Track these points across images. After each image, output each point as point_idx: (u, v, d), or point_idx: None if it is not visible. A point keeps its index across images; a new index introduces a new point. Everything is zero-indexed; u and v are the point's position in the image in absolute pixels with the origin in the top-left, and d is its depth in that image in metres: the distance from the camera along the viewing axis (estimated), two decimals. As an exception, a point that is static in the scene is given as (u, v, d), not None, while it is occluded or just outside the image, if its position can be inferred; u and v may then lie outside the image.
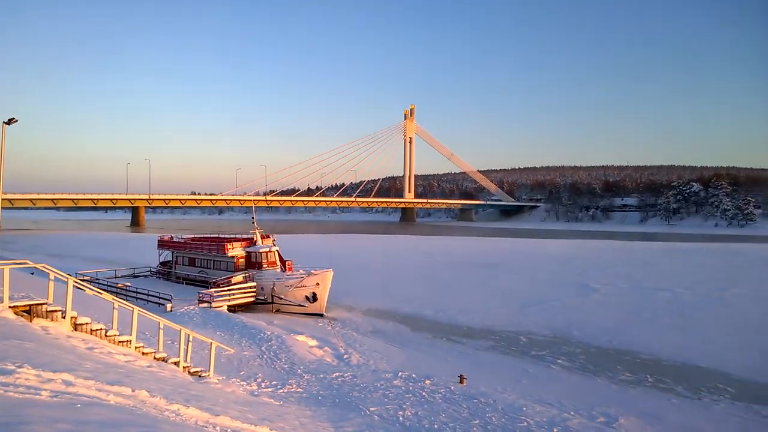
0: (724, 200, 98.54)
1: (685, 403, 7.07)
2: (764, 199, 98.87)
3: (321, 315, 14.41)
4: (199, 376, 6.93)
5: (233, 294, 15.45)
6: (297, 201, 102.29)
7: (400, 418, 5.67)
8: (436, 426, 5.47)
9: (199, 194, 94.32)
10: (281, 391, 6.82)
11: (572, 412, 6.42)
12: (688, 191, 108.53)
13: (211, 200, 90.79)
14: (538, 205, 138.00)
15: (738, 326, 11.77)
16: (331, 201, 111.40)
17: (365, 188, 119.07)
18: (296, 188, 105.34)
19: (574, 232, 74.27)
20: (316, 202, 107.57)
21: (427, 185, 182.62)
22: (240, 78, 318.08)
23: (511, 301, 15.16)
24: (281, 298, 15.53)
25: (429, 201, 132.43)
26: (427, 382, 7.20)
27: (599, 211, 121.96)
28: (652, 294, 16.25)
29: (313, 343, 10.23)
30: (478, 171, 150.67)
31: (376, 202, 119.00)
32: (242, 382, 7.09)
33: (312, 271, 15.45)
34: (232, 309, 14.95)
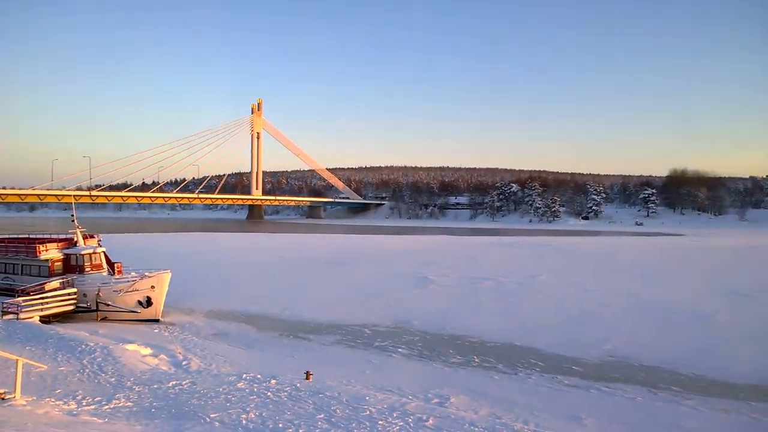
0: (537, 199, 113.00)
1: (505, 379, 7.94)
2: (567, 199, 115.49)
3: (157, 320, 13.33)
4: (2, 398, 5.98)
5: (46, 302, 13.55)
6: (129, 197, 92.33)
7: (243, 422, 5.52)
8: (280, 425, 5.43)
9: (4, 188, 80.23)
10: (106, 407, 6.18)
11: (410, 396, 6.86)
12: (508, 191, 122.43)
13: (19, 195, 77.59)
14: (383, 203, 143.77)
15: (544, 308, 13.60)
16: (170, 197, 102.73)
17: (209, 184, 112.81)
18: (129, 183, 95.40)
19: (416, 228, 78.83)
20: (152, 199, 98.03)
21: (276, 182, 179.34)
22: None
23: (357, 295, 15.63)
24: (108, 305, 14.03)
25: (277, 198, 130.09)
26: (273, 381, 7.10)
27: (437, 208, 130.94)
28: (478, 283, 17.99)
29: (147, 351, 9.41)
30: (326, 169, 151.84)
31: (222, 199, 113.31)
32: (58, 402, 6.27)
33: (146, 274, 14.19)
34: (46, 320, 13.10)
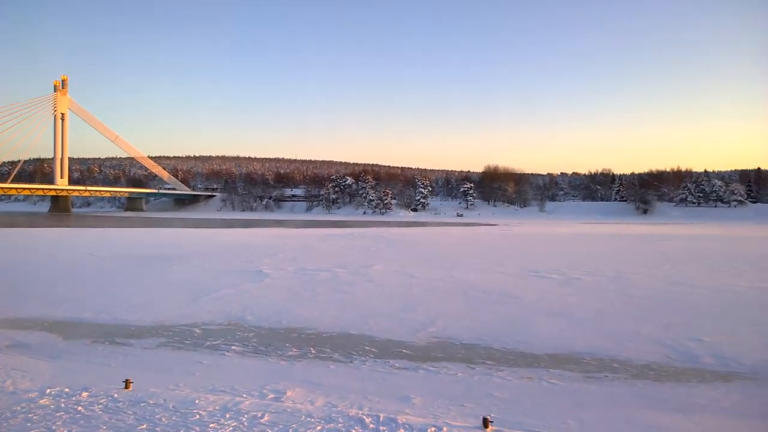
0: (370, 192, 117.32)
1: (341, 367, 8.12)
2: (398, 192, 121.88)
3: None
4: None
5: None
6: None
7: (49, 443, 4.82)
8: (95, 442, 4.85)
9: None
10: None
11: (245, 395, 6.64)
12: (343, 184, 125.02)
13: None
14: (214, 194, 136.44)
15: (377, 296, 14.25)
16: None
17: (1, 172, 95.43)
18: None
19: (251, 220, 76.34)
20: None
21: (87, 170, 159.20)
22: None
23: (185, 293, 14.63)
24: None
25: (88, 188, 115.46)
26: (84, 394, 6.30)
27: (272, 200, 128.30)
28: (314, 274, 18.14)
29: None
30: (148, 157, 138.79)
31: (16, 188, 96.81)
32: None
33: None
34: None
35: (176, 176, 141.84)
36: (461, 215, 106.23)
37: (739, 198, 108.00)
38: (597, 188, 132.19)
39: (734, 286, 15.96)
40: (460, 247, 31.03)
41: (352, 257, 23.97)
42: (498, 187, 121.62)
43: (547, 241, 37.14)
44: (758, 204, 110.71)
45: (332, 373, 7.90)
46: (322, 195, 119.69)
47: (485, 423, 4.98)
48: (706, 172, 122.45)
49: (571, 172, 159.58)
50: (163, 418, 5.47)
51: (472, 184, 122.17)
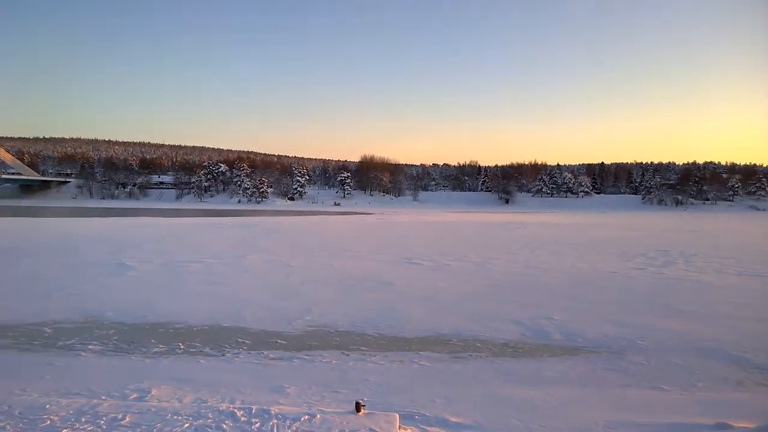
0: (245, 180, 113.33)
1: (212, 361, 7.74)
2: (274, 180, 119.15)
3: None
4: None
5: None
6: None
7: None
8: None
9: None
10: None
11: (103, 396, 6.06)
12: (217, 171, 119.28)
13: None
14: (68, 180, 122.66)
15: (253, 286, 13.83)
16: None
17: None
18: None
19: (113, 209, 69.87)
20: None
21: None
22: None
23: (35, 289, 12.96)
24: None
25: None
26: None
27: (137, 187, 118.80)
28: (185, 266, 17.10)
29: None
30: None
31: None
32: None
33: None
34: None
35: (22, 160, 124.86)
36: (338, 204, 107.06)
37: (586, 189, 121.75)
38: (465, 179, 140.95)
39: (579, 269, 17.94)
40: (338, 236, 31.23)
41: (225, 247, 22.99)
42: (374, 177, 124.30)
43: (420, 229, 38.80)
44: (602, 194, 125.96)
45: (202, 367, 7.50)
46: (194, 183, 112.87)
47: (357, 407, 5.05)
48: (558, 165, 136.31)
49: (442, 164, 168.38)
50: (8, 426, 4.80)
51: (349, 174, 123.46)
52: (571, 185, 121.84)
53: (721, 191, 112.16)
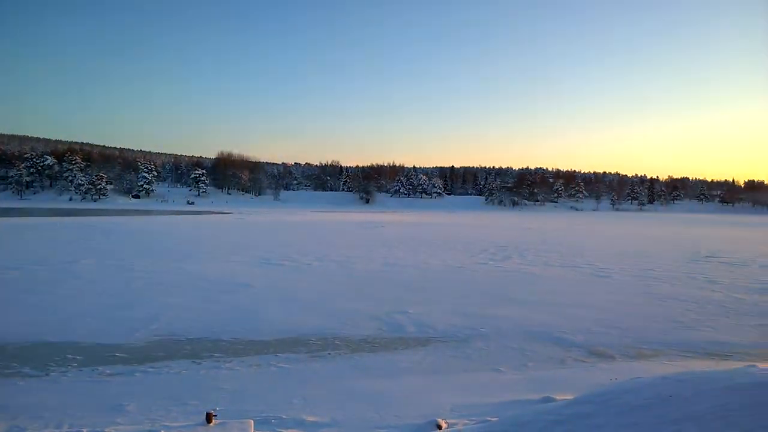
0: (79, 175, 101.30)
1: (33, 383, 6.77)
2: (115, 176, 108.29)
3: None
4: None
5: None
6: None
7: None
8: None
9: None
10: None
11: None
12: (42, 164, 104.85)
13: None
14: None
15: (86, 295, 12.37)
16: None
17: None
18: None
19: None
20: None
21: None
22: None
23: None
24: None
25: None
26: None
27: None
28: (1, 274, 14.77)
29: None
30: None
31: None
32: None
33: None
34: None
35: None
36: (192, 203, 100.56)
37: (438, 190, 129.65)
38: (327, 179, 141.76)
39: (432, 265, 19.04)
40: (190, 237, 29.36)
41: (52, 251, 20.30)
42: (232, 175, 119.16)
43: (281, 228, 38.11)
44: (452, 195, 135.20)
45: (21, 390, 6.51)
46: (12, 177, 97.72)
47: (208, 418, 4.76)
48: (414, 168, 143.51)
49: (304, 163, 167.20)
50: None
51: (204, 171, 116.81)
52: (425, 186, 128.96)
53: (548, 193, 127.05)
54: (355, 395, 6.54)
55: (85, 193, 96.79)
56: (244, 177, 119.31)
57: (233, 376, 7.20)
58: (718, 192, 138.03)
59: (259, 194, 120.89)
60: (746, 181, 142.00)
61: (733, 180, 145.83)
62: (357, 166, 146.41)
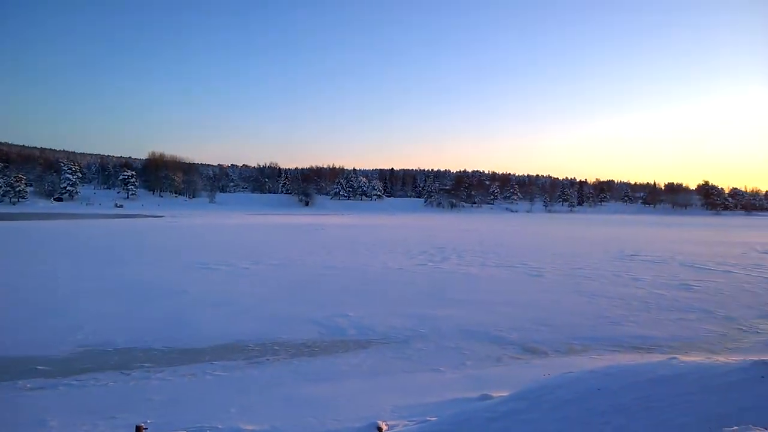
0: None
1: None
2: (35, 177, 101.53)
3: None
4: None
5: None
6: None
7: None
8: None
9: None
10: None
11: None
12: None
13: None
14: None
15: (2, 304, 11.53)
16: None
17: None
18: None
19: None
20: None
21: None
22: None
23: None
24: None
25: None
26: None
27: None
28: None
29: None
30: None
31: None
32: None
33: None
34: None
35: None
36: (121, 206, 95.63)
37: (378, 193, 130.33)
38: (265, 181, 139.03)
39: (372, 267, 19.11)
40: (120, 241, 27.96)
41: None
42: (165, 177, 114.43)
43: (217, 232, 37.03)
44: (392, 197, 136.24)
45: None
46: None
47: (138, 431, 4.56)
48: (354, 170, 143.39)
49: (241, 165, 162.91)
50: None
51: (134, 172, 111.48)
52: (366, 189, 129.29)
53: (484, 196, 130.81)
54: (295, 401, 6.45)
55: (3, 195, 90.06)
56: (177, 179, 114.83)
57: (165, 387, 6.92)
58: (641, 194, 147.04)
59: (194, 197, 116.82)
60: (666, 183, 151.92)
61: (655, 183, 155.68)
62: (296, 168, 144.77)
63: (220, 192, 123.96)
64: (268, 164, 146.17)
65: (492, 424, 5.07)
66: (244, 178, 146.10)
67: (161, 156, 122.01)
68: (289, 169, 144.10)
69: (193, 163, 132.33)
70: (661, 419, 4.63)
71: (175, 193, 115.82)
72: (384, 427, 5.41)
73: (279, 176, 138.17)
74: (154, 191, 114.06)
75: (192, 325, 10.09)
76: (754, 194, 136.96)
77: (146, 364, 7.84)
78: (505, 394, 5.96)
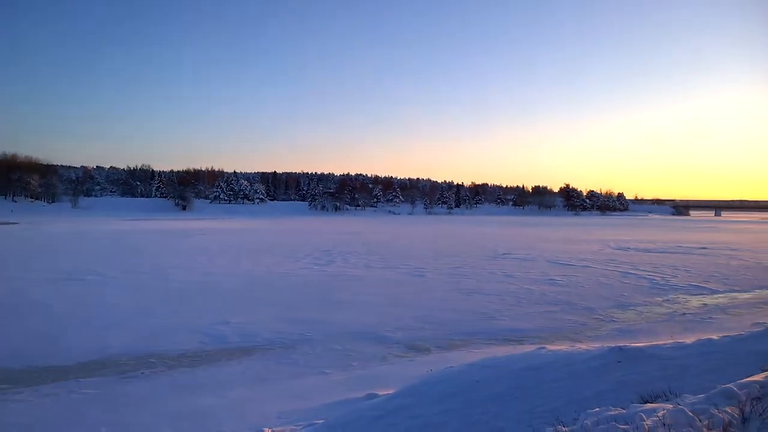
0: None
1: None
2: None
3: None
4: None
5: None
6: None
7: None
8: None
9: None
10: None
11: None
12: None
13: None
14: None
15: None
16: None
17: None
18: None
19: None
20: None
21: None
22: None
23: None
24: None
25: None
26: None
27: None
28: None
29: None
30: None
31: None
32: None
33: None
34: None
35: None
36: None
37: (261, 196, 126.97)
38: (137, 184, 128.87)
39: (256, 272, 18.62)
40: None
41: None
42: (18, 179, 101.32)
43: (83, 239, 33.64)
44: (275, 201, 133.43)
45: None
46: None
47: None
48: (235, 173, 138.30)
49: (108, 167, 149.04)
50: None
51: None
52: (247, 192, 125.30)
53: (368, 198, 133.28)
54: (174, 414, 6.13)
55: None
56: (33, 182, 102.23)
57: (25, 409, 6.21)
58: (512, 196, 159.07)
59: (54, 201, 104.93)
60: (533, 186, 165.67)
61: (523, 186, 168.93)
62: (171, 171, 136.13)
63: (85, 196, 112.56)
64: (139, 166, 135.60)
65: (378, 421, 5.25)
66: (112, 181, 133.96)
67: (14, 157, 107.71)
68: (163, 171, 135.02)
69: (52, 165, 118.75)
70: (533, 405, 5.12)
71: (32, 198, 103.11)
72: (271, 434, 5.35)
73: (152, 179, 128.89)
74: (6, 195, 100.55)
75: (56, 341, 9.13)
76: (608, 196, 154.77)
77: (2, 386, 6.95)
78: (390, 392, 6.18)
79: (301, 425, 5.64)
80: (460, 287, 16.02)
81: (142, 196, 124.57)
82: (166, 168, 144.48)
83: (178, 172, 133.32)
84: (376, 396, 6.35)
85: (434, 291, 15.33)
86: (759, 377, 3.98)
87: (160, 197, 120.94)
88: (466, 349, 9.30)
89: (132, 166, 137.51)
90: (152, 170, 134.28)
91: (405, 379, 6.71)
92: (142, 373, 7.76)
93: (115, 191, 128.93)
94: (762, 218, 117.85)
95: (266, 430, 5.42)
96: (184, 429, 5.70)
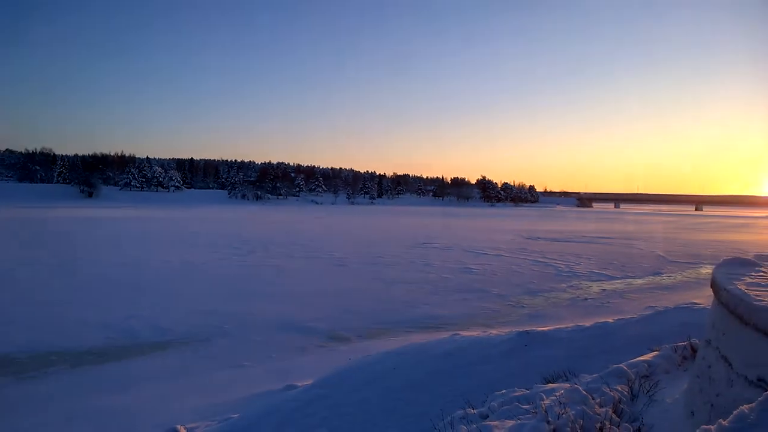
0: None
1: None
2: None
3: None
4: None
5: None
6: None
7: None
8: None
9: None
10: None
11: None
12: None
13: None
14: None
15: None
16: None
17: None
18: None
19: None
20: None
21: None
22: None
23: None
24: None
25: None
26: None
27: None
28: None
29: None
30: None
31: None
32: None
33: None
34: None
35: None
36: None
37: (177, 184, 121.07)
38: (36, 169, 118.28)
39: (170, 263, 17.82)
40: None
41: None
42: None
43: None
44: (192, 189, 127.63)
45: None
46: None
47: None
48: (148, 159, 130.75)
49: (4, 149, 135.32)
50: None
51: None
52: (161, 179, 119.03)
53: (290, 188, 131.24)
54: (79, 416, 5.79)
55: None
56: None
57: None
58: (432, 187, 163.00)
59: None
60: (452, 178, 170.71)
61: (443, 177, 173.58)
62: (76, 155, 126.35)
63: None
64: (39, 150, 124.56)
65: (296, 413, 5.26)
66: (7, 165, 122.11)
67: None
68: (66, 155, 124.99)
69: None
70: (447, 389, 5.35)
71: None
72: (183, 431, 5.20)
73: (54, 163, 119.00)
74: None
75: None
76: (521, 188, 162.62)
77: None
78: (309, 382, 6.20)
79: (216, 420, 5.52)
80: (381, 276, 16.26)
81: (42, 182, 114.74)
82: (70, 152, 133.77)
83: (84, 156, 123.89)
84: (295, 387, 6.34)
85: (356, 280, 15.45)
86: (647, 357, 4.42)
87: (63, 183, 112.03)
88: (386, 338, 9.48)
89: (31, 149, 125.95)
90: (54, 154, 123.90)
91: (324, 369, 6.75)
92: (43, 372, 7.23)
93: (11, 176, 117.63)
94: (655, 210, 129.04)
95: (179, 427, 5.26)
96: (94, 429, 5.40)
